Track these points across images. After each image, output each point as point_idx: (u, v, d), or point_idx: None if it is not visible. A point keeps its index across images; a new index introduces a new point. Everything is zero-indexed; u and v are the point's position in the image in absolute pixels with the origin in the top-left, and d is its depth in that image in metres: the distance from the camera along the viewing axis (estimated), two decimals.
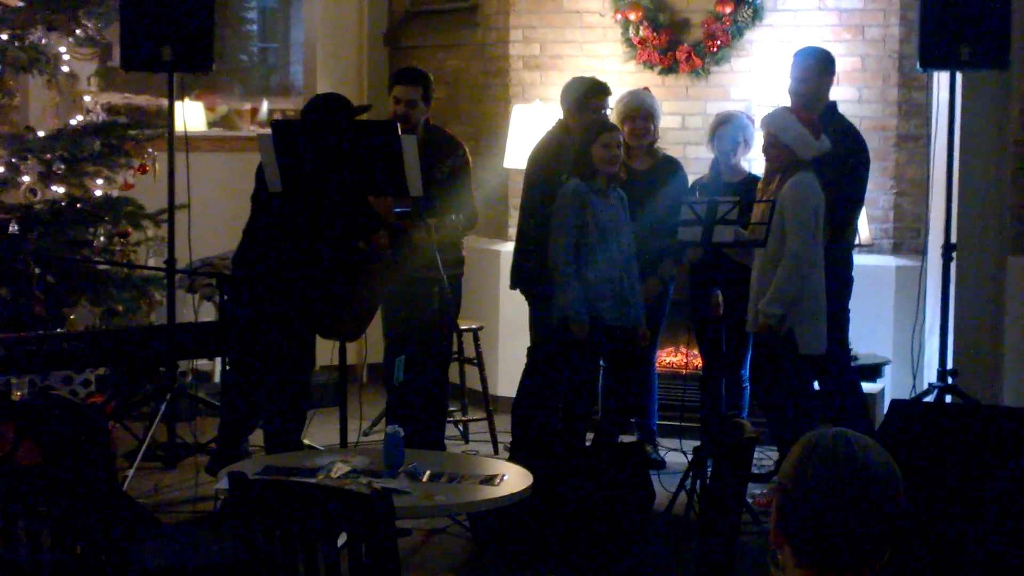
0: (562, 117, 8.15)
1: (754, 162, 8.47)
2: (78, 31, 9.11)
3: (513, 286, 8.23)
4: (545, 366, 7.97)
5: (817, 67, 7.88)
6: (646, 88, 8.77)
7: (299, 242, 7.26)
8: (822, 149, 7.40)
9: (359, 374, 10.05)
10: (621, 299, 7.71)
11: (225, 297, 8.03)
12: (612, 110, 8.23)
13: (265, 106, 12.84)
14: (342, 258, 7.28)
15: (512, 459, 7.05)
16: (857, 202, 7.96)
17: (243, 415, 7.85)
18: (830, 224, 7.55)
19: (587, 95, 8.03)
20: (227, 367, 8.03)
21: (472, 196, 8.01)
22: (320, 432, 8.42)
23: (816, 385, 7.90)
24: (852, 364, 8.26)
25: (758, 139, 8.26)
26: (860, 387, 8.05)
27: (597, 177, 7.62)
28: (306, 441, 7.95)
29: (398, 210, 7.47)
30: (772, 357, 7.57)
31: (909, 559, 4.85)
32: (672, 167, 8.46)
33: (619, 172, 7.74)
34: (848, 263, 7.87)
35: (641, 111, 8.27)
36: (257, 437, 8.06)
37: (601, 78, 8.50)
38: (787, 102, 7.88)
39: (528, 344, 8.25)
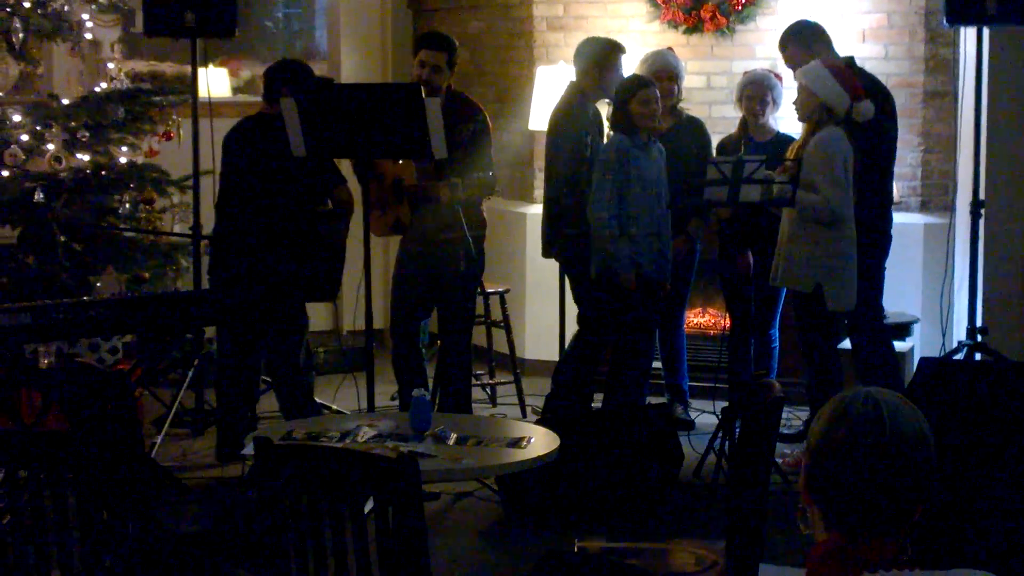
0: (574, 79, 8.12)
1: (782, 120, 8.42)
2: None
3: (547, 254, 8.18)
4: (597, 331, 7.93)
5: (795, 42, 7.96)
6: (669, 48, 8.74)
7: (265, 210, 7.54)
8: (867, 114, 7.35)
9: (385, 339, 10.05)
10: (660, 253, 7.73)
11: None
12: (636, 72, 8.22)
13: None
14: (304, 219, 7.56)
15: (541, 421, 7.05)
16: (890, 156, 7.93)
17: (243, 389, 7.88)
18: (866, 181, 7.52)
19: (610, 53, 8.00)
20: (222, 346, 8.05)
21: (491, 161, 7.95)
22: (347, 396, 8.42)
23: (848, 343, 7.89)
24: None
25: (786, 97, 8.23)
26: (892, 345, 8.03)
27: (637, 132, 7.61)
28: (321, 401, 8.06)
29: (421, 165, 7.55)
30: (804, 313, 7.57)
31: (939, 518, 4.83)
32: (695, 127, 8.46)
33: (658, 126, 7.74)
34: (887, 220, 7.86)
35: (665, 71, 8.25)
36: (270, 403, 8.11)
37: (625, 38, 8.51)
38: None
39: (555, 307, 8.26)
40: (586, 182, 7.76)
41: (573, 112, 7.98)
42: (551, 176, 8.07)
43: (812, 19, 8.22)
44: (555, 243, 8.04)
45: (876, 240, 7.78)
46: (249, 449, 5.05)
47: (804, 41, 7.93)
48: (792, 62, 7.93)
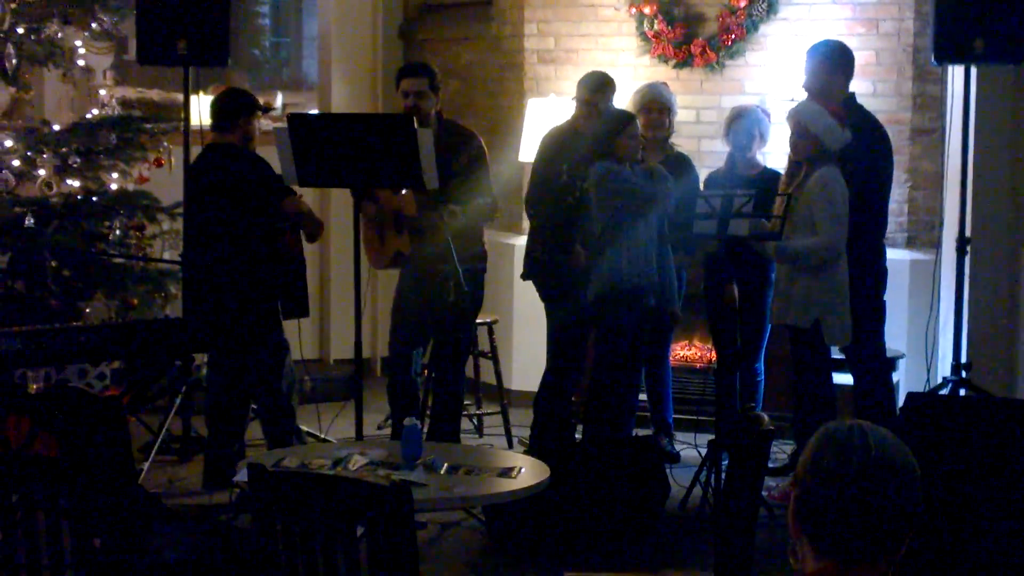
0: (575, 110, 8.20)
1: (769, 156, 8.46)
2: (94, 25, 9.11)
3: (525, 276, 8.28)
4: (563, 356, 7.99)
5: (827, 62, 7.85)
6: (664, 83, 8.78)
7: (225, 236, 7.65)
8: (845, 139, 7.39)
9: (373, 367, 10.06)
10: (652, 279, 7.73)
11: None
12: (629, 102, 8.28)
13: (280, 99, 12.86)
14: (264, 239, 7.64)
15: (530, 451, 7.07)
16: (885, 192, 7.95)
17: (232, 417, 7.88)
18: (860, 216, 7.55)
19: (602, 88, 8.05)
20: (212, 373, 8.06)
21: (491, 186, 8.02)
22: (336, 425, 8.43)
23: (847, 377, 7.91)
24: None
25: (774, 133, 8.26)
26: (891, 380, 8.05)
27: (621, 164, 7.64)
28: (308, 429, 8.07)
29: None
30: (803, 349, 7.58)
31: (926, 551, 4.86)
32: (683, 164, 8.45)
33: (642, 158, 7.78)
34: (881, 254, 7.87)
35: (657, 103, 8.29)
36: (255, 432, 8.13)
37: (615, 72, 8.54)
38: (802, 96, 7.87)
39: (542, 338, 8.30)
40: (558, 210, 7.86)
41: (557, 142, 8.07)
42: (525, 199, 8.29)
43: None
44: (530, 266, 8.17)
45: (875, 274, 7.80)
46: (241, 476, 5.06)
47: (833, 62, 7.85)
48: (810, 76, 7.86)
